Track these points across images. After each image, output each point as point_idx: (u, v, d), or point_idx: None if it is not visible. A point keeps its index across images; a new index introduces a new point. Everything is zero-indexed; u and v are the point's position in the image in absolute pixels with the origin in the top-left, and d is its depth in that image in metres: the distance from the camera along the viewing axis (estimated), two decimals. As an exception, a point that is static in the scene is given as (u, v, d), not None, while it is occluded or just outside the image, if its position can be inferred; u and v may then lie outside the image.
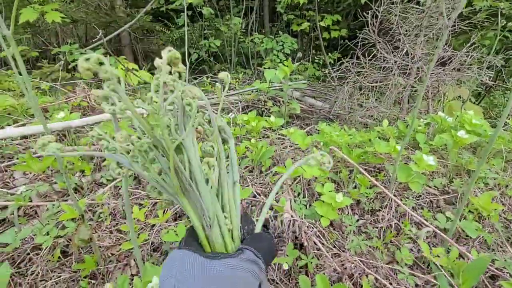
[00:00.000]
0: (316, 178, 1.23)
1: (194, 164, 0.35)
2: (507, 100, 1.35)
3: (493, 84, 3.22)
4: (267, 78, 1.89)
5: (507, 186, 1.29)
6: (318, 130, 2.24)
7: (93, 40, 2.88)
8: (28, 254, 1.02)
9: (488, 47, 2.64)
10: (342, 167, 1.29)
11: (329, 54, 4.09)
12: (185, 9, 1.71)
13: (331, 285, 0.82)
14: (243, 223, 0.41)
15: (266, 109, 2.33)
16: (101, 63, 0.28)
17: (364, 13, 2.07)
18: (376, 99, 2.15)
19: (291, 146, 1.75)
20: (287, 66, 1.81)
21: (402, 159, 1.36)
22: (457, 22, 2.13)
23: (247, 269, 0.32)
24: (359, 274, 0.91)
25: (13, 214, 1.07)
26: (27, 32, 3.94)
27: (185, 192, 0.36)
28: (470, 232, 1.04)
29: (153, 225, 1.17)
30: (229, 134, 0.41)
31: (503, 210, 1.20)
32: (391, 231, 1.11)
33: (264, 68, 3.21)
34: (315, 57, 3.88)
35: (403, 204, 1.09)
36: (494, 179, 1.31)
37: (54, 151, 0.31)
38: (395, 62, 2.03)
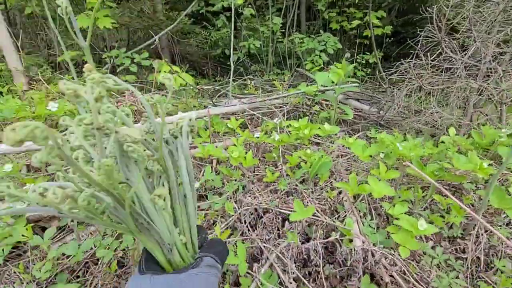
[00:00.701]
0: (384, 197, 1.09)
1: (146, 200, 0.35)
2: None
3: None
4: (318, 82, 1.77)
5: None
6: (369, 137, 2.08)
7: (146, 43, 2.94)
8: (86, 263, 1.01)
9: None
10: (415, 186, 1.14)
11: (373, 53, 3.83)
12: (233, 10, 1.65)
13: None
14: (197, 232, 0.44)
15: (310, 113, 2.20)
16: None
17: (427, 8, 1.85)
18: (438, 104, 1.93)
19: (344, 156, 1.61)
20: (340, 68, 1.67)
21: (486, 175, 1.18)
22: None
23: (209, 272, 0.36)
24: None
25: (73, 221, 1.07)
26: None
27: (142, 229, 0.36)
28: None
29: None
30: (176, 145, 0.40)
31: None
32: (479, 265, 0.95)
33: (306, 69, 3.08)
34: (357, 57, 3.66)
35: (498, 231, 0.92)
36: None
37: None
38: (462, 62, 1.80)
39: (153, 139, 0.39)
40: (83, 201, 0.30)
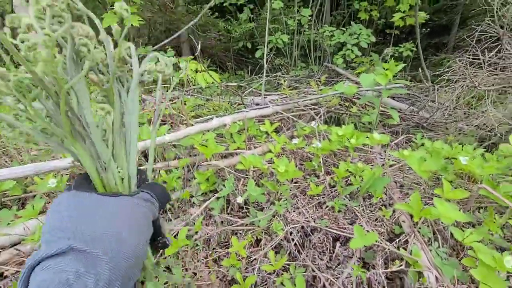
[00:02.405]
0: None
1: (85, 107, 0.34)
2: None
3: None
4: (363, 85, 1.63)
5: None
6: (410, 142, 1.93)
7: (169, 39, 2.88)
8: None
9: None
10: (489, 208, 1.02)
11: (404, 44, 3.57)
12: (269, 5, 1.53)
13: None
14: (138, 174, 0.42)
15: (348, 115, 2.07)
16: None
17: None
18: (493, 105, 1.75)
19: (391, 166, 1.49)
20: (387, 69, 1.53)
21: None
22: None
23: (142, 204, 0.35)
24: None
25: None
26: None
27: (76, 135, 0.35)
28: None
29: (252, 260, 1.05)
30: (134, 82, 0.39)
31: None
32: None
33: (336, 64, 2.91)
34: (391, 50, 3.43)
35: None
36: None
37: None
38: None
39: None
40: (20, 83, 0.29)
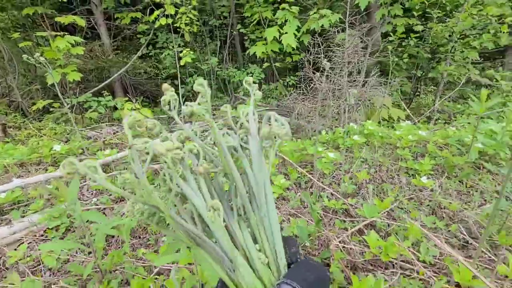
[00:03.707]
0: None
1: (202, 211, 0.33)
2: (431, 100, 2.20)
3: (415, 93, 4.23)
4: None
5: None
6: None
7: (104, 83, 3.59)
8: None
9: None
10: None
11: (291, 76, 5.00)
12: (176, 57, 2.48)
13: None
14: (285, 248, 0.35)
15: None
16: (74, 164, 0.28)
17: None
18: (320, 115, 3.02)
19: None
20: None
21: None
22: (369, 58, 3.06)
23: None
24: None
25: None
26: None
27: (199, 244, 0.34)
28: None
29: None
30: (240, 153, 0.36)
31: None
32: None
33: (241, 96, 4.05)
34: (281, 80, 4.79)
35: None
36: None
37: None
38: (328, 89, 2.93)
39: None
40: (137, 213, 0.33)
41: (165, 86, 0.35)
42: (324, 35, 3.26)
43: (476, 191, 1.74)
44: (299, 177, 1.98)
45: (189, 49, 3.50)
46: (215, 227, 0.32)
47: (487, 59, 4.90)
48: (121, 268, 1.28)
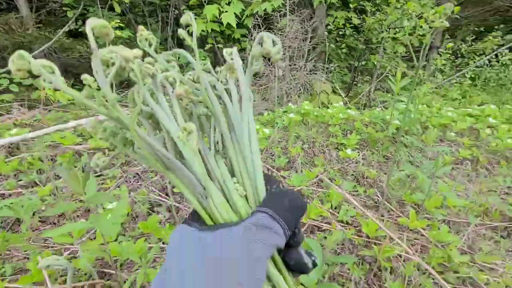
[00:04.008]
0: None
1: (172, 132, 0.30)
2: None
3: (352, 82, 4.54)
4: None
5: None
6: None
7: None
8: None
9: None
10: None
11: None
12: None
13: None
14: (266, 186, 0.33)
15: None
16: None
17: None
18: (263, 99, 3.05)
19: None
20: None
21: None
22: (309, 44, 3.18)
23: (253, 238, 0.25)
24: None
25: None
26: None
27: (168, 167, 0.31)
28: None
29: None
30: (220, 89, 0.34)
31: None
32: None
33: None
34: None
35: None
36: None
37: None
38: (271, 72, 2.97)
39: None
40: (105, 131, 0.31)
41: (140, 27, 0.33)
42: (267, 19, 3.28)
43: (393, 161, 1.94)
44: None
45: (119, 21, 3.20)
46: (187, 151, 0.30)
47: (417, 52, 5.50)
48: (24, 253, 1.12)
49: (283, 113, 2.52)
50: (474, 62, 4.16)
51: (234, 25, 3.26)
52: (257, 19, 3.04)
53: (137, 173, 1.69)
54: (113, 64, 0.27)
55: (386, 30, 3.51)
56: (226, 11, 3.19)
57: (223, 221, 0.30)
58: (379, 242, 1.14)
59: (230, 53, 0.35)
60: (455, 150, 2.07)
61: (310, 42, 3.11)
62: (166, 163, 0.31)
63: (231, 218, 0.30)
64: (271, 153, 2.09)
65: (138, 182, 1.63)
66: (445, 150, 1.31)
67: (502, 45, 4.41)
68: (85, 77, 0.28)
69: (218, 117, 0.33)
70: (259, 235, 0.25)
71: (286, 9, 2.99)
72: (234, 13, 3.17)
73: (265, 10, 3.22)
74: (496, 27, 4.88)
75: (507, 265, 1.13)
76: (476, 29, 5.28)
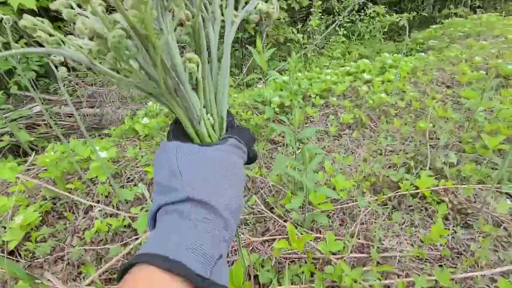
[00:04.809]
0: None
1: (178, 61, 0.33)
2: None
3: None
4: None
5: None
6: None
7: None
8: None
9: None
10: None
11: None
12: None
13: None
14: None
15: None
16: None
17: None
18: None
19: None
20: None
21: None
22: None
23: (234, 151, 0.36)
24: None
25: None
26: None
27: (172, 92, 0.33)
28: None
29: None
30: (216, 13, 0.36)
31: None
32: None
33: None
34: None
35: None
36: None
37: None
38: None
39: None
40: (113, 38, 0.26)
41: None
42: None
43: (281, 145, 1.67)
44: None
45: None
46: (186, 77, 0.34)
47: (303, 20, 5.45)
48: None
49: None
50: (343, 18, 4.31)
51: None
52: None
53: None
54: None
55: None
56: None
57: (207, 141, 0.37)
58: None
59: None
60: (341, 114, 1.94)
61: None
62: (173, 91, 0.33)
63: (209, 140, 0.37)
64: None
65: None
66: (312, 131, 1.05)
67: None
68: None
69: (201, 44, 0.35)
70: (236, 151, 0.36)
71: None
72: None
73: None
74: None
75: (404, 251, 0.97)
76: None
